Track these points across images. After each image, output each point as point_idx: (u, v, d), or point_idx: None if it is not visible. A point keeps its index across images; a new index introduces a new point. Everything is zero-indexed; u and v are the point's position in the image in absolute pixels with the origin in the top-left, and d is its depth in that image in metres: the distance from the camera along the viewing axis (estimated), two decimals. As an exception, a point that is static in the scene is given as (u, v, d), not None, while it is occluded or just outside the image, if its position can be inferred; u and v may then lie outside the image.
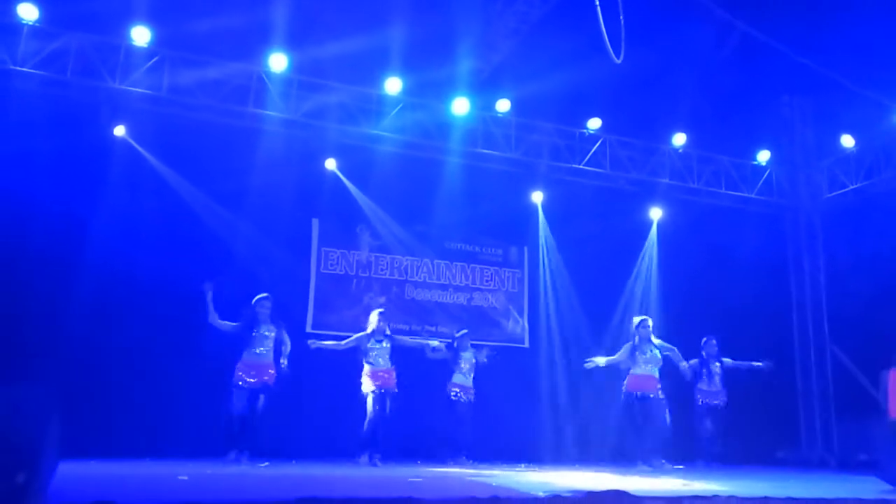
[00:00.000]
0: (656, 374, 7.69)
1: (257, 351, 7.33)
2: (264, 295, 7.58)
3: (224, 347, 7.48)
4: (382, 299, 9.61)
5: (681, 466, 7.03)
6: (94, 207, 8.28)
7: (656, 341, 7.92)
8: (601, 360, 7.96)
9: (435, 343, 8.30)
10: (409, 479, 5.00)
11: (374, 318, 7.81)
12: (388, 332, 7.81)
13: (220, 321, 7.36)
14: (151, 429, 7.88)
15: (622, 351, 7.91)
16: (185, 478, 4.73)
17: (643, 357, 7.68)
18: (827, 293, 11.62)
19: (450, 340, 8.77)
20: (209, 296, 7.31)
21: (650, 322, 7.88)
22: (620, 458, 8.68)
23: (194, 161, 8.84)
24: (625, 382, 7.78)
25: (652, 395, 7.57)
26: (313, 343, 7.60)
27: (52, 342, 7.64)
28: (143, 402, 7.94)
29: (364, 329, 7.90)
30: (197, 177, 8.91)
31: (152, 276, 8.27)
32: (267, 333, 7.40)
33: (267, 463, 7.00)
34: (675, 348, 8.09)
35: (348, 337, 7.87)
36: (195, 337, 7.72)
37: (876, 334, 9.56)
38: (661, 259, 11.17)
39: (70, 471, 4.26)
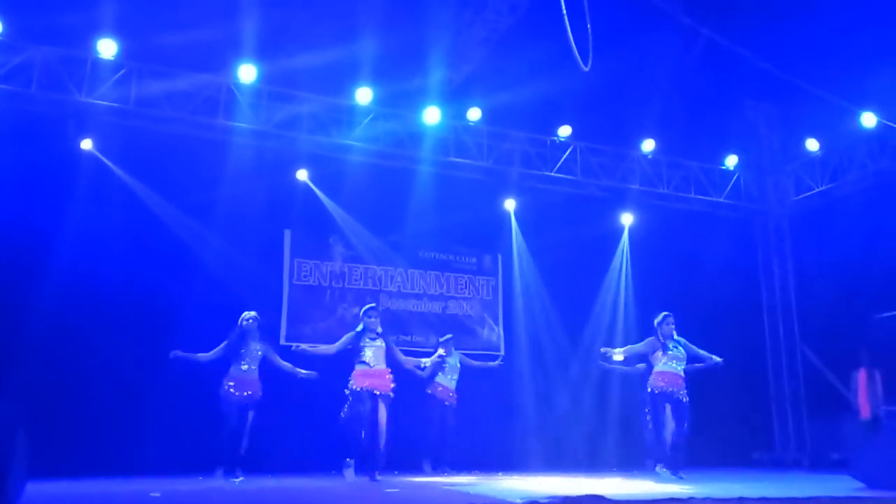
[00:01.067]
0: (681, 373, 7.24)
1: (244, 367, 7.33)
2: (253, 313, 7.52)
3: (195, 362, 7.38)
4: (356, 310, 9.55)
5: (682, 476, 6.78)
6: (61, 222, 8.14)
7: (683, 340, 7.46)
8: (619, 354, 7.40)
9: (425, 361, 7.79)
10: (386, 490, 4.97)
11: (363, 316, 7.14)
12: (379, 331, 7.06)
13: (207, 356, 7.28)
14: (123, 446, 7.73)
15: (645, 343, 7.43)
16: (158, 495, 4.65)
17: (668, 354, 7.23)
18: (796, 295, 11.82)
19: (431, 350, 8.77)
20: (183, 355, 7.21)
21: (672, 318, 7.37)
22: (617, 465, 8.56)
23: (164, 174, 8.75)
24: (649, 380, 7.30)
25: (677, 395, 7.14)
26: (297, 347, 7.11)
27: (19, 358, 7.46)
28: (114, 419, 7.78)
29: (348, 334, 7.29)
30: (167, 190, 8.81)
31: (122, 291, 8.16)
32: (255, 351, 7.40)
33: (242, 478, 6.91)
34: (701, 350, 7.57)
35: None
36: (166, 351, 7.61)
37: (845, 334, 9.74)
38: (632, 264, 11.27)
39: (38, 491, 4.17)
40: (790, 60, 9.26)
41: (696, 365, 7.67)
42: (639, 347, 7.50)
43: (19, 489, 3.17)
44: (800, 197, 11.61)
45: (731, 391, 10.64)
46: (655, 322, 7.43)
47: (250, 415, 7.28)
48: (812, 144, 11.20)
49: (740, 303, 11.59)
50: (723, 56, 9.59)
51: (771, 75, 9.45)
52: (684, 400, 7.21)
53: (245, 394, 7.26)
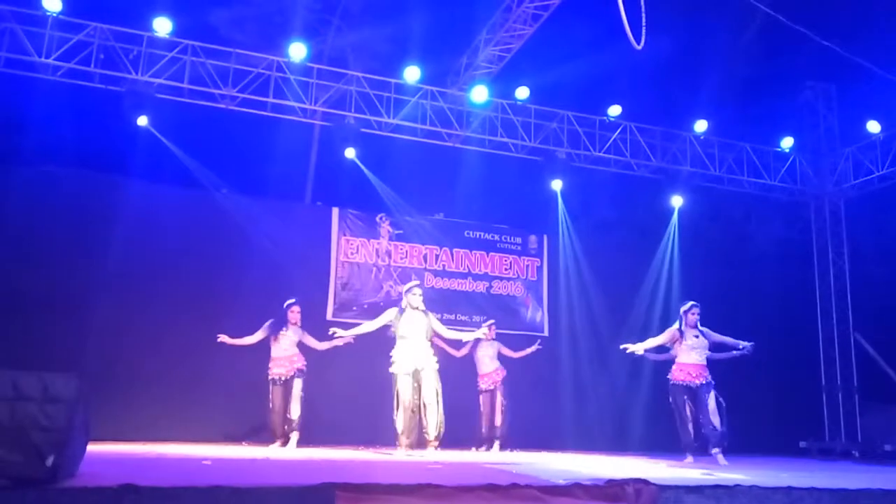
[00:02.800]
0: (703, 362, 7.24)
1: (283, 346, 7.62)
2: (293, 301, 7.71)
3: (248, 333, 7.61)
4: (402, 288, 9.64)
5: (725, 463, 6.75)
6: (118, 196, 8.40)
7: (706, 330, 7.41)
8: (639, 348, 7.44)
9: (466, 338, 7.81)
10: (429, 466, 5.03)
11: (406, 293, 7.22)
12: (422, 308, 7.06)
13: (252, 339, 7.56)
14: (178, 413, 8.02)
15: (664, 334, 7.47)
16: (209, 462, 4.80)
17: (687, 344, 7.24)
18: (851, 281, 11.49)
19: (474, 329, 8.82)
20: (230, 339, 7.48)
21: (697, 310, 7.35)
22: (659, 448, 8.54)
23: (216, 151, 8.94)
24: (671, 371, 7.37)
25: (697, 384, 7.13)
26: (337, 333, 7.08)
27: (81, 329, 7.79)
28: (171, 387, 8.07)
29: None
30: (217, 166, 9.01)
31: (176, 264, 8.41)
32: (292, 335, 7.68)
33: (281, 445, 7.13)
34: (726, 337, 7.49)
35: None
36: (216, 325, 7.82)
37: (901, 323, 9.46)
38: (682, 247, 11.08)
39: (99, 454, 4.35)
40: (852, 38, 8.92)
41: (722, 354, 7.58)
42: (659, 339, 7.53)
43: (81, 452, 3.32)
44: (858, 181, 11.23)
45: (781, 378, 10.45)
46: (681, 310, 7.45)
47: (297, 384, 7.47)
48: (873, 126, 10.80)
49: (793, 288, 11.33)
50: (780, 34, 9.30)
51: (831, 54, 9.12)
52: (706, 383, 7.14)
53: (285, 372, 7.53)
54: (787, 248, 11.34)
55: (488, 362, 8.66)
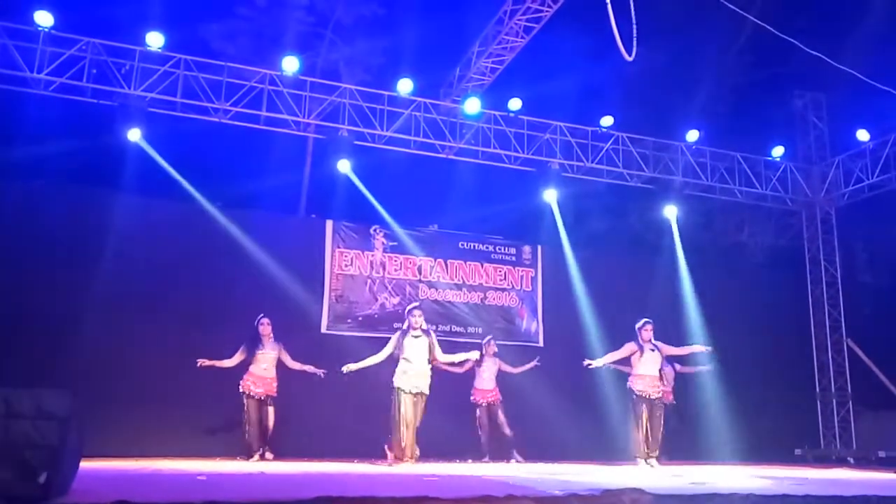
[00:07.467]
0: (657, 374, 7.87)
1: (262, 366, 7.74)
2: (262, 315, 7.82)
3: (238, 350, 7.61)
4: (397, 300, 9.64)
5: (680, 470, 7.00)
6: (109, 211, 8.37)
7: (659, 344, 7.99)
8: (599, 362, 8.02)
9: (461, 358, 7.82)
10: (425, 478, 5.01)
11: (408, 314, 7.39)
12: (424, 327, 7.27)
13: (231, 362, 7.67)
14: (172, 429, 7.98)
15: (624, 348, 7.98)
16: (204, 477, 4.77)
17: (644, 357, 7.82)
18: (843, 289, 11.54)
19: (469, 342, 8.88)
20: (209, 364, 7.56)
21: (650, 326, 7.94)
22: (626, 455, 8.66)
23: (208, 164, 8.93)
24: (629, 382, 7.94)
25: (653, 396, 7.76)
26: (349, 368, 7.06)
27: (73, 346, 7.73)
28: (164, 403, 8.01)
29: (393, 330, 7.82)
30: (211, 180, 9.00)
31: (169, 279, 8.37)
32: (270, 351, 7.78)
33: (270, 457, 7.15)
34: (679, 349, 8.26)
35: (366, 335, 7.70)
36: (214, 338, 7.80)
37: (893, 329, 9.50)
38: (675, 256, 11.10)
39: (91, 470, 4.32)
40: (841, 48, 9.01)
41: (688, 368, 8.83)
42: (619, 354, 8.02)
43: (74, 469, 3.30)
44: (849, 189, 11.31)
45: (775, 386, 10.45)
46: (636, 327, 7.96)
47: (270, 411, 7.68)
48: (863, 135, 10.89)
49: (785, 296, 11.38)
50: (769, 44, 9.38)
51: (820, 64, 9.20)
52: (662, 399, 7.92)
53: (262, 391, 7.67)
54: (779, 256, 11.41)
55: (487, 379, 8.76)
